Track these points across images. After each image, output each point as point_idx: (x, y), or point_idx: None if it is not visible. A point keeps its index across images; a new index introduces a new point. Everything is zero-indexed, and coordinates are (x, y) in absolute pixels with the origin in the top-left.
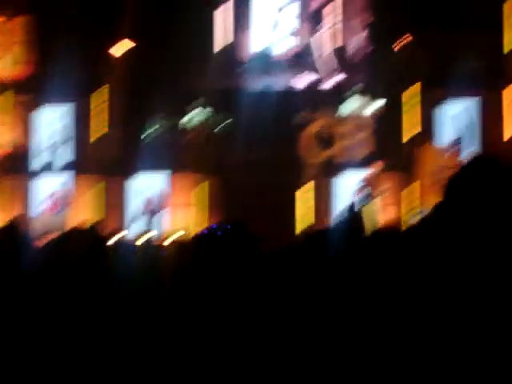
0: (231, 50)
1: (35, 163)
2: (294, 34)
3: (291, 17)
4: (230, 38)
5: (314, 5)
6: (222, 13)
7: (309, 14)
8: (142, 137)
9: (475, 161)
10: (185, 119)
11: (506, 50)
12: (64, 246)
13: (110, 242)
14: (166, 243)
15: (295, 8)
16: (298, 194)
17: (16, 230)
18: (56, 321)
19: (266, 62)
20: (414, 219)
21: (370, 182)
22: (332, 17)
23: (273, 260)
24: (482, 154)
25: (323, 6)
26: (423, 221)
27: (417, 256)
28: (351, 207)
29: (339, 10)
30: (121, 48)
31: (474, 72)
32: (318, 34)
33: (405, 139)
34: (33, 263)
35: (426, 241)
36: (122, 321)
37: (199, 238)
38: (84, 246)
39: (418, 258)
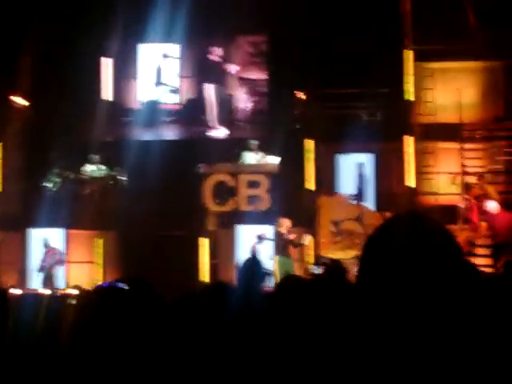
0: (119, 101)
1: None
2: (180, 87)
3: (177, 70)
4: (117, 90)
5: (207, 57)
6: (106, 65)
7: (200, 67)
8: (36, 193)
9: (396, 218)
10: (81, 173)
11: (403, 101)
12: None
13: (7, 297)
14: (63, 299)
15: (184, 61)
16: (200, 245)
17: None
18: None
19: (156, 114)
20: (317, 270)
21: (267, 236)
22: (226, 70)
23: (172, 313)
24: (404, 212)
25: (218, 59)
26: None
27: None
28: (252, 259)
29: (233, 65)
30: (14, 104)
31: (373, 124)
32: (211, 87)
33: (304, 192)
34: None
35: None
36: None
37: (97, 293)
38: None
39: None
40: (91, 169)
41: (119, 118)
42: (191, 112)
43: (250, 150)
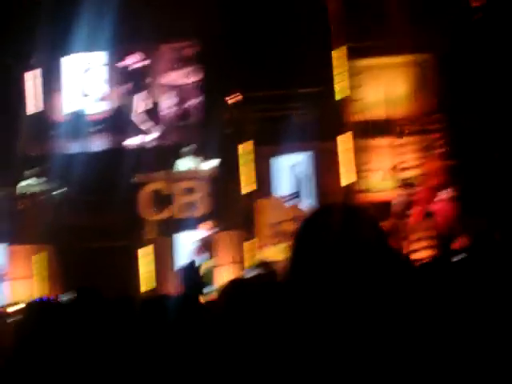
0: (44, 114)
1: None
2: (107, 95)
3: (103, 78)
4: (41, 103)
5: (132, 65)
6: (31, 78)
7: (126, 75)
8: None
9: (317, 211)
10: (18, 188)
11: (336, 99)
12: None
13: None
14: (3, 316)
15: (111, 68)
16: (140, 255)
17: None
18: None
19: (82, 125)
20: (251, 273)
21: (206, 241)
22: (152, 77)
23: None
24: (324, 204)
25: (142, 66)
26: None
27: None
28: (189, 266)
29: (161, 69)
30: None
31: (306, 124)
32: (139, 95)
33: (241, 196)
34: None
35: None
36: None
37: (26, 309)
38: None
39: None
40: (26, 183)
41: (47, 131)
42: (119, 121)
43: (184, 155)
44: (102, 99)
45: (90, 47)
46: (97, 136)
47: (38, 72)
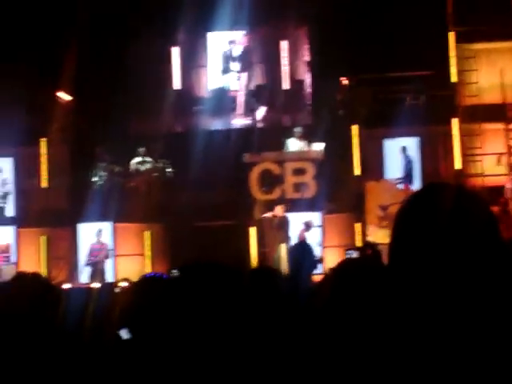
0: (185, 90)
1: None
2: (241, 75)
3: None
4: (186, 79)
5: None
6: (175, 55)
7: (255, 56)
8: (83, 187)
9: (425, 189)
10: (126, 168)
11: (451, 81)
12: (9, 293)
13: (57, 291)
14: (112, 292)
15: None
16: (251, 234)
17: None
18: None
19: (223, 102)
20: (353, 255)
21: (314, 223)
22: (279, 58)
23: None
24: (433, 182)
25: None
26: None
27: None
28: (299, 246)
29: (285, 53)
30: (58, 100)
31: (418, 107)
32: (257, 76)
33: (351, 178)
34: None
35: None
36: (69, 368)
37: (144, 280)
38: (29, 294)
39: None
40: (137, 161)
41: (189, 107)
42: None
43: (295, 137)
44: (239, 77)
45: (232, 25)
46: (224, 114)
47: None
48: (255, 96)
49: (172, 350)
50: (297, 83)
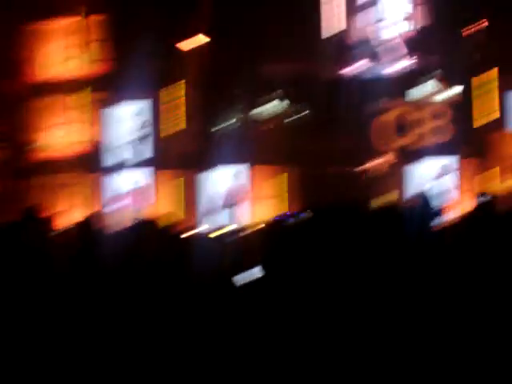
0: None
1: (113, 160)
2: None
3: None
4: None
5: None
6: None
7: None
8: (219, 130)
9: None
10: (261, 111)
11: None
12: (138, 236)
13: (189, 235)
14: (248, 233)
15: None
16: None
17: (90, 226)
18: (135, 306)
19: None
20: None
21: (447, 169)
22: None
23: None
24: None
25: None
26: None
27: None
28: (426, 193)
29: None
30: (195, 42)
31: None
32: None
33: (479, 125)
34: (108, 255)
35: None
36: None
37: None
38: (157, 237)
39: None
40: (273, 105)
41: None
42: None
43: (433, 80)
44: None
45: None
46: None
47: None
48: (396, 41)
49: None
50: (431, 28)
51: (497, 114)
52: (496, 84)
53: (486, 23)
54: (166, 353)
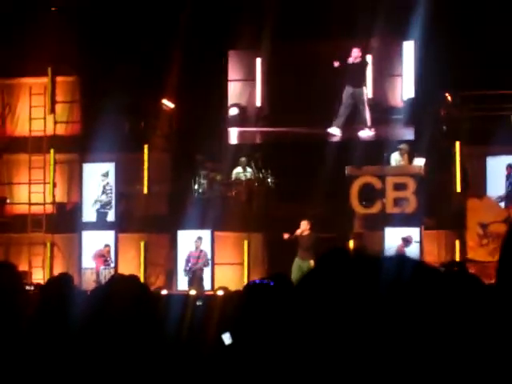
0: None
1: (80, 220)
2: None
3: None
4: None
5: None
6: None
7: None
8: (186, 194)
9: None
10: (230, 176)
11: None
12: (110, 294)
13: (154, 295)
14: (210, 300)
15: None
16: (351, 247)
17: (64, 282)
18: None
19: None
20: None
21: (413, 238)
22: (376, 70)
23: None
24: None
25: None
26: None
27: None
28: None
29: (382, 64)
30: (165, 106)
31: None
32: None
33: (452, 195)
34: (80, 312)
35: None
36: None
37: (250, 287)
38: (130, 295)
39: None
40: (238, 171)
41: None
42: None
43: (398, 152)
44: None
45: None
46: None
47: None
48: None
49: (276, 355)
50: (398, 97)
51: (459, 188)
52: (459, 156)
53: (452, 97)
54: None
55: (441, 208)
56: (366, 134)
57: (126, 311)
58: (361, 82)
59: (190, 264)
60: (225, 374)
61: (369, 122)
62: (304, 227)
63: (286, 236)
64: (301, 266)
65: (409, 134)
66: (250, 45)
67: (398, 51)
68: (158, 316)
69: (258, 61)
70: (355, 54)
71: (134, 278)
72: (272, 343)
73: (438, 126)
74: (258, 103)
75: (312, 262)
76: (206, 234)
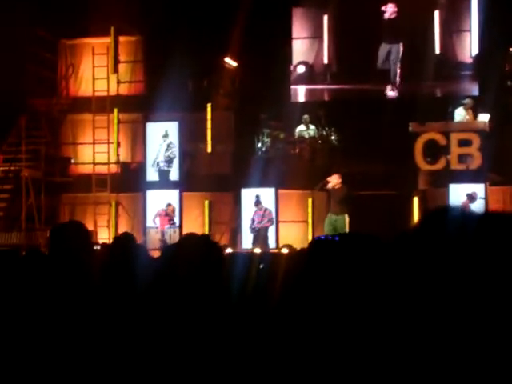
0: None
1: (144, 179)
2: None
3: None
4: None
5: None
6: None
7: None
8: (250, 152)
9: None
10: (294, 133)
11: None
12: (180, 252)
13: (224, 253)
14: (275, 257)
15: None
16: (415, 204)
17: (128, 242)
18: (171, 323)
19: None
20: None
21: (478, 194)
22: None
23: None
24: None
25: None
26: None
27: None
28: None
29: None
30: (228, 64)
31: None
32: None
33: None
34: (147, 271)
35: None
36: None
37: (316, 243)
38: (199, 254)
39: None
40: (301, 129)
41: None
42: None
43: (463, 107)
44: None
45: None
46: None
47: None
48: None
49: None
50: (463, 52)
51: None
52: None
53: None
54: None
55: (506, 164)
56: (392, 93)
57: (195, 270)
58: (397, 38)
59: (255, 222)
60: (288, 333)
61: (398, 81)
62: (336, 181)
63: (316, 188)
64: (334, 220)
65: (474, 89)
66: (316, 2)
67: (466, 6)
68: (224, 274)
69: (325, 18)
70: (391, 10)
71: (206, 237)
72: (335, 300)
73: (503, 82)
74: (326, 60)
75: (346, 217)
76: (269, 192)
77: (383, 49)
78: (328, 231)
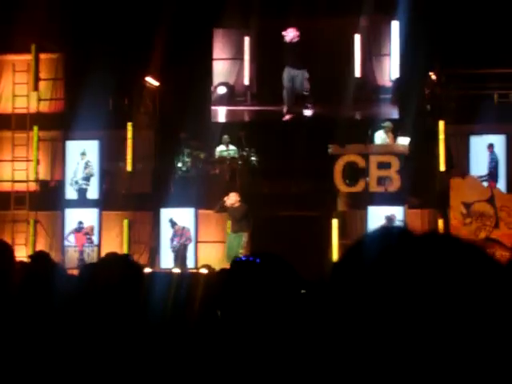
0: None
1: (63, 197)
2: None
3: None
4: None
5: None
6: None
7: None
8: (169, 172)
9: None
10: (214, 154)
11: None
12: (98, 271)
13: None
14: (193, 277)
15: None
16: (333, 226)
17: (46, 260)
18: (88, 347)
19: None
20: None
21: (397, 217)
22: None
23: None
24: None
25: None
26: None
27: None
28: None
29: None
30: (149, 83)
31: (504, 106)
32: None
33: (435, 174)
34: (63, 290)
35: None
36: (149, 348)
37: (237, 264)
38: (118, 273)
39: None
40: (221, 149)
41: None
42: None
43: (382, 130)
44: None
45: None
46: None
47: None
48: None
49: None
50: (384, 76)
51: (443, 166)
52: (443, 135)
53: (436, 76)
54: None
55: (424, 187)
56: (308, 112)
57: (113, 289)
58: (302, 63)
59: (174, 241)
60: (209, 351)
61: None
62: (234, 199)
63: (215, 209)
64: (232, 238)
65: (393, 112)
66: (237, 23)
67: (386, 31)
68: (143, 293)
69: (246, 39)
70: (291, 34)
71: (124, 257)
72: (256, 320)
73: (423, 105)
74: (246, 82)
75: (246, 235)
76: (189, 212)
77: (287, 72)
78: (230, 250)
